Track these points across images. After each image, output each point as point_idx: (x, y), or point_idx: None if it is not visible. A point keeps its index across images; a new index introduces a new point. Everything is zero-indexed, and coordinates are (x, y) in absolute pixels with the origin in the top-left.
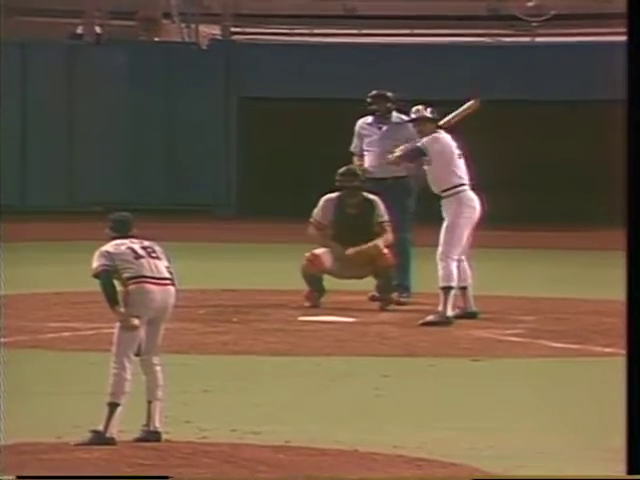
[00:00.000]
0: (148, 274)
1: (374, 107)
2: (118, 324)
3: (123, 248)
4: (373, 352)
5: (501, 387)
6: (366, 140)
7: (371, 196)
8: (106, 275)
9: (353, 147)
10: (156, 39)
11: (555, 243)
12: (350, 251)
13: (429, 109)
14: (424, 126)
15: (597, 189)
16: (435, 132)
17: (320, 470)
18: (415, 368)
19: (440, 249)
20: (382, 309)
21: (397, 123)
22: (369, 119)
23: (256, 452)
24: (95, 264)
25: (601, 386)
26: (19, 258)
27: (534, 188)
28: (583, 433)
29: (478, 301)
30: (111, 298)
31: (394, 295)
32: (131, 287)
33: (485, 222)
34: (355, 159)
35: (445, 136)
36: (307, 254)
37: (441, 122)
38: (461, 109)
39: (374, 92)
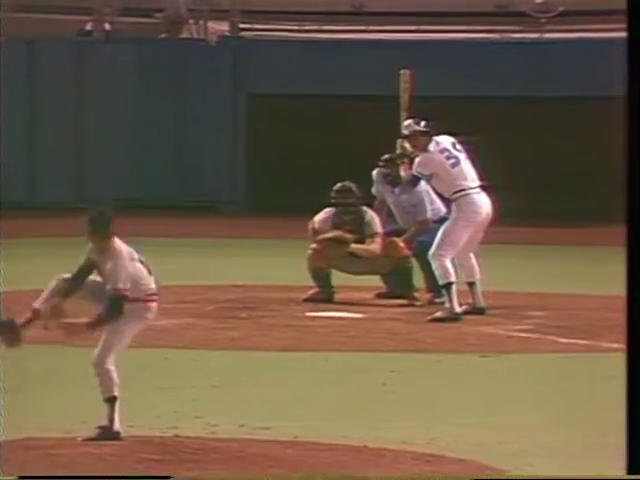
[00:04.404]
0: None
1: (386, 171)
2: (109, 329)
3: (138, 263)
4: (381, 348)
5: (509, 383)
6: (386, 197)
7: (368, 211)
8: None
9: (374, 192)
10: (180, 36)
11: (563, 239)
12: (354, 247)
13: (422, 122)
14: (417, 140)
15: (606, 185)
16: (428, 145)
17: (329, 466)
18: (423, 364)
19: (433, 249)
20: (411, 305)
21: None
22: (382, 175)
23: (265, 447)
24: (121, 284)
25: (609, 382)
26: (28, 254)
27: (543, 185)
28: (592, 429)
29: (486, 297)
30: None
31: (429, 295)
32: (152, 304)
33: (497, 214)
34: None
35: (433, 151)
36: (313, 244)
37: (402, 110)
38: (401, 87)
39: (386, 156)
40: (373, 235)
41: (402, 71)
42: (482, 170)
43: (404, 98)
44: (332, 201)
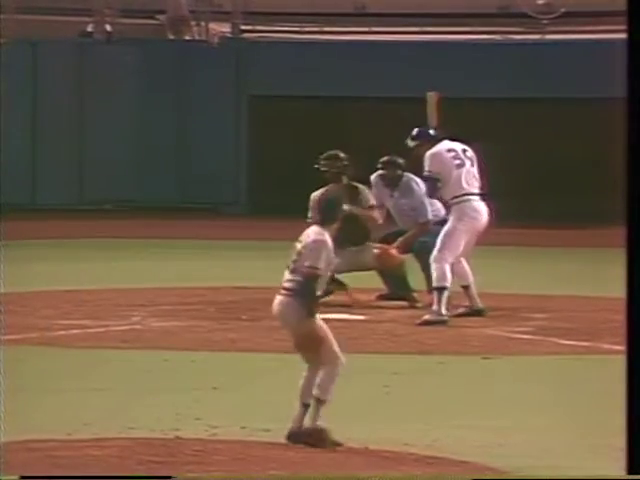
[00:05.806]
0: None
1: (384, 172)
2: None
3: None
4: (383, 349)
5: (511, 385)
6: (385, 201)
7: (355, 183)
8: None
9: (374, 196)
10: (183, 38)
11: (563, 241)
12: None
13: (430, 130)
14: (425, 147)
15: (607, 186)
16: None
17: (330, 468)
18: (425, 365)
19: (435, 252)
20: (412, 306)
21: (407, 185)
22: (380, 178)
23: (266, 449)
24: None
25: (611, 383)
26: (29, 256)
27: (544, 186)
28: (593, 431)
29: (488, 299)
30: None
31: (430, 297)
32: None
33: (494, 221)
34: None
35: (441, 149)
36: None
37: (431, 125)
38: (428, 110)
39: (385, 158)
40: (371, 207)
41: (429, 93)
42: (487, 179)
43: (431, 118)
44: (320, 169)
